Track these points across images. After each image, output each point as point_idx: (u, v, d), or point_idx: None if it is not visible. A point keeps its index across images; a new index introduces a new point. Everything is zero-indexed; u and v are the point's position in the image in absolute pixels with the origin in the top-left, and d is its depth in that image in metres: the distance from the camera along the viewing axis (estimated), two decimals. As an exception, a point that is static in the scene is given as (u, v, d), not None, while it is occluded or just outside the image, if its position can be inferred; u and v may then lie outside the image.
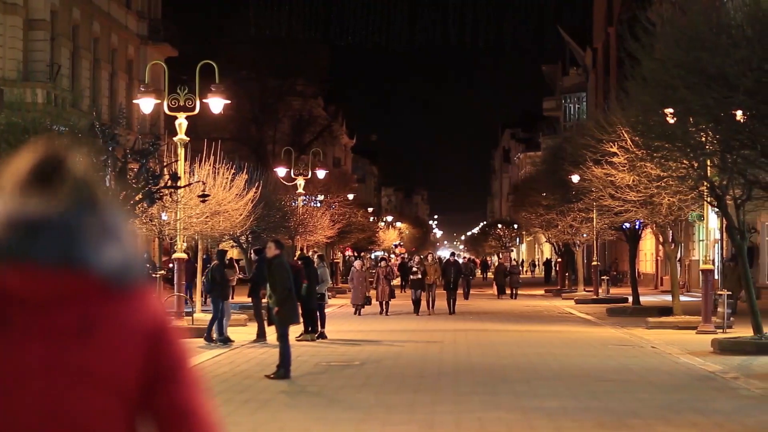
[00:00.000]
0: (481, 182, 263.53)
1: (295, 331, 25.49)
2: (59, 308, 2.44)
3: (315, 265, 31.06)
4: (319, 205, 57.72)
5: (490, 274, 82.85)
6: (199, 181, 31.65)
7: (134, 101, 40.17)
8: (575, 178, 40.76)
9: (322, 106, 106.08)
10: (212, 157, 34.16)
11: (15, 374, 2.43)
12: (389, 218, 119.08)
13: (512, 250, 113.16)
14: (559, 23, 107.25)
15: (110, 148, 26.82)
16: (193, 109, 30.99)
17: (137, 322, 2.51)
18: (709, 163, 25.45)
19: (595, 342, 27.88)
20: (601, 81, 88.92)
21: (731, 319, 30.02)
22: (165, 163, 30.08)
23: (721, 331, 28.68)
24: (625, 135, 31.13)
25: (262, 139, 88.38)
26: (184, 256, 32.05)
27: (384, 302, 41.01)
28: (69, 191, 2.47)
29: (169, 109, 31.09)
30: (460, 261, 58.12)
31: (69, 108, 40.33)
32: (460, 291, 46.87)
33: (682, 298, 38.78)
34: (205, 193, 31.28)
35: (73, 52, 51.11)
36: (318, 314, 29.34)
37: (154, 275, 34.30)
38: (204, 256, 38.74)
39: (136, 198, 26.88)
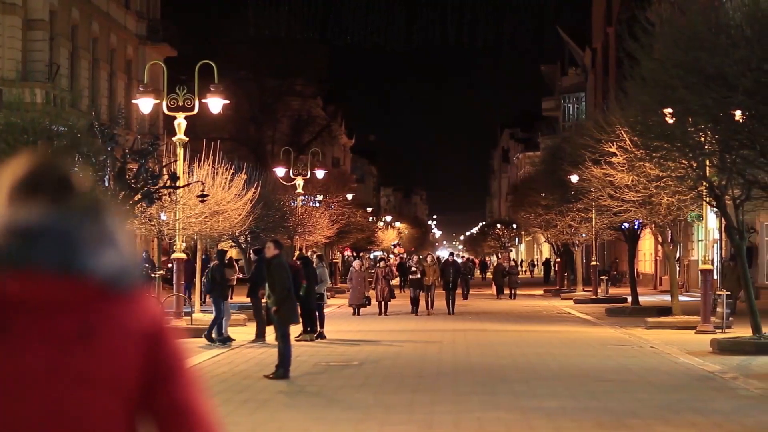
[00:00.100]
0: (480, 182, 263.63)
1: (294, 331, 25.49)
2: (60, 313, 2.48)
3: (314, 265, 31.06)
4: (318, 205, 57.73)
5: (489, 274, 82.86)
6: (198, 181, 31.65)
7: (133, 101, 40.22)
8: (574, 178, 40.77)
9: (321, 106, 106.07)
10: (211, 157, 34.15)
11: (17, 379, 2.47)
12: (388, 218, 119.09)
13: (511, 250, 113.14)
14: (558, 23, 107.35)
15: (109, 148, 26.82)
16: (192, 109, 30.99)
17: (136, 324, 2.55)
18: (708, 163, 25.46)
19: (594, 342, 27.88)
20: (600, 81, 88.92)
21: (730, 319, 30.03)
22: (164, 163, 30.08)
23: (720, 331, 28.68)
24: (624, 135, 31.13)
25: (261, 139, 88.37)
26: (183, 256, 32.05)
27: (383, 302, 40.99)
28: (66, 198, 2.52)
29: (168, 109, 31.09)
30: (459, 261, 58.13)
31: (68, 108, 40.31)
32: (458, 291, 46.86)
33: (681, 298, 38.79)
34: (204, 193, 31.27)
35: (72, 52, 51.10)
36: (317, 314, 29.34)
37: (153, 275, 34.32)
38: (203, 257, 38.73)
39: (135, 198, 26.88)
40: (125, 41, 59.13)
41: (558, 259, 70.12)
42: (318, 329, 29.23)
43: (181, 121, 30.85)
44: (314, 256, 33.89)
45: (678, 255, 51.58)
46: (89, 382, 2.50)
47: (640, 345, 26.88)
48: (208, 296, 28.66)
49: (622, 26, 41.87)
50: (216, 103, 31.84)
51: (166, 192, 28.32)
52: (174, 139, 31.14)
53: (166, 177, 28.02)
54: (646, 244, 67.20)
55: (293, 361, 20.14)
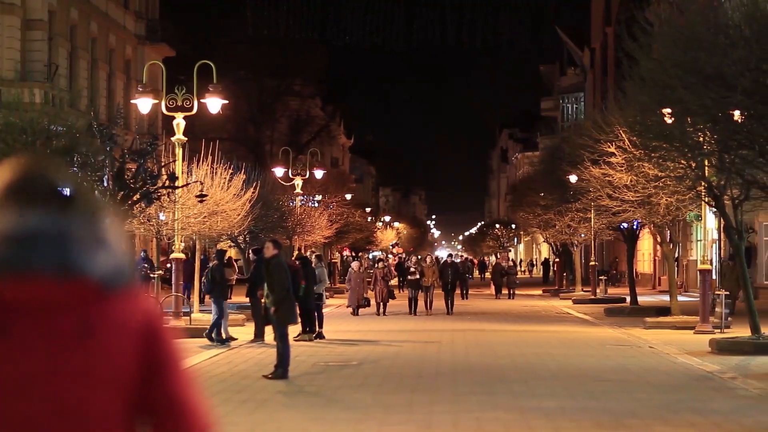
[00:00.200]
0: (479, 182, 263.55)
1: (293, 331, 25.49)
2: (59, 314, 2.55)
3: (313, 265, 31.05)
4: (316, 205, 57.72)
5: (488, 275, 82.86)
6: (196, 181, 31.63)
7: (132, 101, 40.22)
8: (573, 178, 40.77)
9: (319, 106, 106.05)
10: (210, 157, 34.13)
11: (19, 380, 2.53)
12: (387, 218, 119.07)
13: (510, 250, 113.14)
14: (557, 23, 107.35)
15: (108, 148, 26.81)
16: (191, 109, 30.98)
17: (132, 321, 2.62)
18: (706, 163, 25.47)
19: (592, 342, 27.89)
20: (599, 81, 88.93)
21: (729, 319, 30.03)
22: (163, 163, 30.06)
23: (719, 331, 28.68)
24: (623, 135, 31.12)
25: (260, 139, 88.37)
26: (182, 256, 32.04)
27: (382, 302, 40.97)
28: (61, 202, 2.59)
29: (167, 109, 31.08)
30: (457, 261, 58.11)
31: (67, 108, 40.27)
32: (457, 291, 46.84)
33: (680, 298, 38.80)
34: (203, 193, 31.26)
35: (70, 52, 51.09)
36: (316, 314, 29.33)
37: (152, 275, 34.31)
38: (202, 257, 38.71)
39: (134, 198, 26.87)
40: (124, 41, 59.11)
41: (557, 259, 70.13)
42: (317, 329, 29.22)
43: (179, 121, 30.84)
44: (313, 256, 33.88)
45: (677, 255, 51.58)
46: (89, 379, 2.56)
47: (639, 345, 26.89)
48: (207, 296, 28.60)
49: (620, 26, 41.84)
50: (215, 103, 31.83)
51: (164, 192, 28.31)
52: (173, 139, 31.13)
53: (164, 177, 28.01)
54: (645, 244, 67.21)
55: (292, 361, 20.14)
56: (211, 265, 28.79)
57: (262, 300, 23.25)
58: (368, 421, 14.46)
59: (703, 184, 26.50)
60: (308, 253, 45.64)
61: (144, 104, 31.99)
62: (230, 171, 34.79)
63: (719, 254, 45.78)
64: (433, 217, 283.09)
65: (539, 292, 65.71)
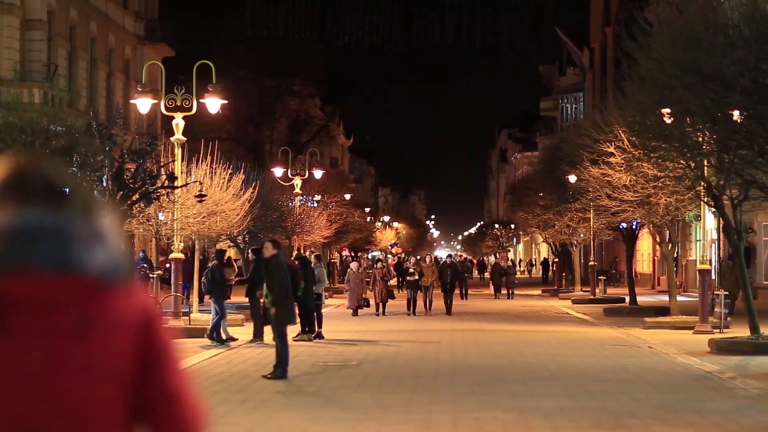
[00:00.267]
0: (478, 182, 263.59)
1: (292, 331, 25.48)
2: (58, 309, 2.59)
3: (312, 265, 31.05)
4: (316, 205, 57.71)
5: (487, 275, 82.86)
6: (196, 181, 31.62)
7: (131, 101, 40.22)
8: (572, 178, 40.77)
9: (319, 106, 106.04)
10: (209, 157, 34.11)
11: (20, 375, 2.58)
12: (386, 218, 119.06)
13: (509, 250, 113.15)
14: (556, 23, 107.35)
15: (107, 148, 26.81)
16: (190, 109, 30.98)
17: (129, 316, 2.68)
18: (706, 163, 25.47)
19: (592, 342, 27.89)
20: (598, 81, 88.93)
21: (728, 319, 30.02)
22: (162, 163, 30.05)
23: (718, 331, 28.67)
24: (622, 135, 31.12)
25: (259, 139, 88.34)
26: (181, 256, 32.03)
27: (381, 303, 40.96)
28: (58, 199, 2.64)
29: (166, 109, 31.08)
30: (457, 262, 58.09)
31: (66, 108, 40.28)
32: (456, 292, 46.82)
33: (679, 298, 38.79)
34: (202, 193, 31.25)
35: (70, 52, 51.09)
36: (315, 314, 29.32)
37: (151, 275, 34.30)
38: (201, 257, 38.70)
39: (133, 198, 26.87)
40: (123, 41, 59.10)
41: (556, 259, 70.14)
42: (316, 329, 29.21)
43: (179, 121, 30.84)
44: (312, 256, 33.88)
45: (676, 255, 51.58)
46: (88, 373, 2.62)
47: (638, 345, 26.89)
48: (207, 297, 28.58)
49: (620, 26, 41.83)
50: (214, 103, 31.83)
51: (164, 192, 28.31)
52: (172, 139, 31.13)
53: (164, 177, 28.00)
54: (644, 244, 67.21)
55: (291, 361, 20.13)
56: (210, 265, 28.76)
57: (261, 300, 23.27)
58: (367, 421, 14.46)
59: (702, 184, 26.50)
60: (307, 253, 45.64)
61: (143, 104, 31.99)
62: (229, 171, 34.78)
63: (718, 254, 45.82)
64: (433, 217, 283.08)
65: (538, 292, 65.70)
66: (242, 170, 35.78)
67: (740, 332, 26.56)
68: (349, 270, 41.75)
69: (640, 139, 27.39)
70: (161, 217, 32.22)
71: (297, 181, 50.80)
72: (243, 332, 29.31)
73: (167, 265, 36.37)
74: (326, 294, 37.24)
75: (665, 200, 32.36)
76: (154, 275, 34.17)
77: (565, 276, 67.40)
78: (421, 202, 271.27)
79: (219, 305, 27.35)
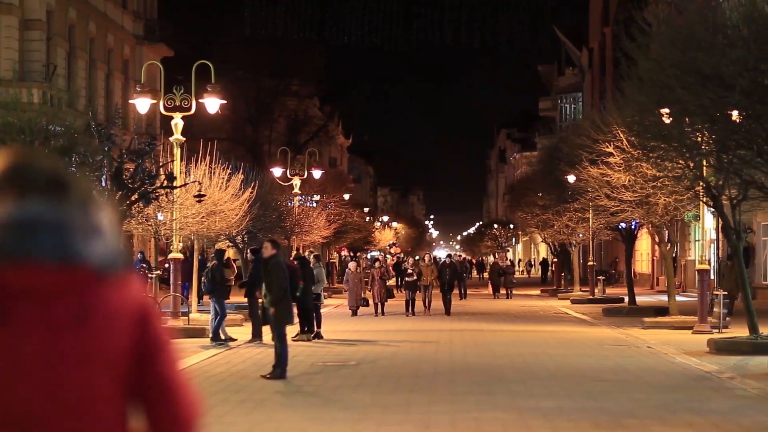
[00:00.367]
0: (477, 182, 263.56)
1: (291, 331, 25.48)
2: (57, 299, 2.66)
3: (311, 265, 31.04)
4: (315, 205, 57.69)
5: (486, 275, 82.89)
6: (195, 181, 31.61)
7: (130, 101, 40.21)
8: (571, 179, 40.77)
9: (317, 106, 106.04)
10: (208, 157, 34.10)
11: (19, 363, 2.64)
12: (385, 218, 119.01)
13: (508, 250, 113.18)
14: (555, 23, 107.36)
15: (106, 148, 26.80)
16: (189, 109, 30.98)
17: (125, 306, 2.75)
18: (705, 163, 25.47)
19: (591, 342, 27.89)
20: (597, 81, 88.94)
21: (727, 319, 30.02)
22: (161, 163, 30.04)
23: (717, 331, 28.68)
24: (621, 135, 31.11)
25: (258, 139, 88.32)
26: (180, 256, 32.02)
27: (380, 303, 40.95)
28: (58, 191, 2.70)
29: (165, 109, 31.07)
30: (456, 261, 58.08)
31: (65, 108, 40.31)
32: (455, 292, 46.80)
33: (678, 298, 38.77)
34: (201, 193, 31.25)
35: (69, 52, 51.08)
36: (314, 314, 29.32)
37: (149, 276, 34.29)
38: (199, 257, 38.69)
39: (132, 198, 26.86)
40: (122, 41, 59.10)
41: (555, 259, 70.14)
42: (315, 329, 29.21)
43: (178, 121, 30.84)
44: (311, 256, 33.88)
45: (675, 255, 51.57)
46: (86, 362, 2.68)
47: (637, 345, 26.89)
48: (207, 297, 28.55)
49: (619, 26, 41.82)
50: (213, 103, 31.83)
51: (163, 192, 28.30)
52: (171, 139, 31.12)
53: (163, 177, 27.99)
54: (643, 244, 67.23)
55: (290, 361, 20.14)
56: (211, 265, 28.70)
57: (260, 300, 23.27)
58: (366, 421, 14.46)
59: (701, 184, 26.50)
60: (306, 253, 45.63)
61: (142, 104, 31.98)
62: (228, 171, 34.77)
63: (717, 254, 45.83)
64: (432, 217, 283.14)
65: (537, 292, 65.72)
66: (241, 170, 35.77)
67: (739, 332, 26.55)
68: (347, 270, 41.74)
69: (639, 139, 27.38)
70: (160, 217, 32.22)
71: (296, 181, 50.77)
72: (242, 332, 29.31)
73: (166, 265, 36.36)
74: (325, 294, 37.22)
75: (664, 200, 32.35)
76: (153, 275, 34.17)
77: (564, 276, 67.39)
78: (420, 202, 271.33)
79: (219, 305, 27.33)
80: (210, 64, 31.77)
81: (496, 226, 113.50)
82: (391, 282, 57.74)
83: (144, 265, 41.70)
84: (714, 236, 46.86)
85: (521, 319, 38.31)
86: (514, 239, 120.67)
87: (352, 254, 77.59)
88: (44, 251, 2.64)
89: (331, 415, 15.04)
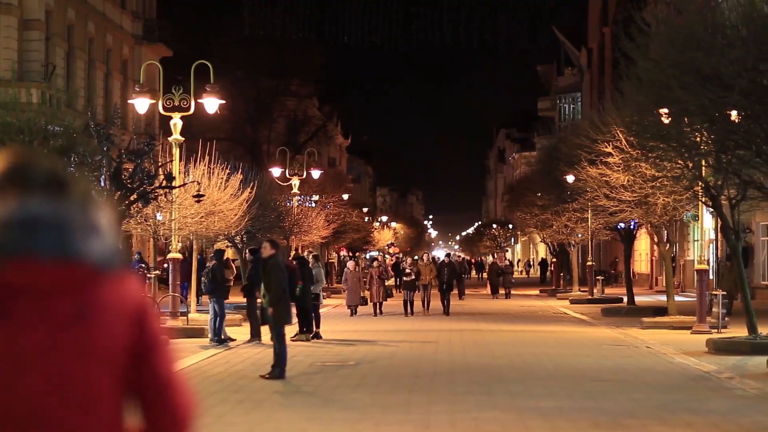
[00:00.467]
0: (476, 182, 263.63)
1: (290, 331, 25.48)
2: (58, 295, 2.71)
3: (310, 265, 31.03)
4: (314, 205, 57.68)
5: (485, 275, 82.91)
6: (194, 181, 31.61)
7: (129, 101, 40.16)
8: (570, 179, 40.77)
9: (316, 106, 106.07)
10: (207, 157, 34.11)
11: (21, 358, 2.69)
12: (384, 218, 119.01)
13: (507, 250, 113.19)
14: (554, 23, 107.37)
15: (105, 148, 26.79)
16: (188, 109, 30.97)
17: (123, 303, 2.80)
18: (704, 163, 25.46)
19: (590, 342, 27.89)
20: (596, 81, 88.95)
21: (726, 319, 30.02)
22: (160, 163, 30.04)
23: (716, 331, 28.68)
24: (620, 135, 31.11)
25: (257, 139, 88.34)
26: (179, 256, 32.02)
27: (378, 303, 40.92)
28: (58, 190, 2.75)
29: (164, 109, 31.06)
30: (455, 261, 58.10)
31: (64, 108, 40.28)
32: (454, 292, 46.78)
33: (677, 298, 38.78)
34: (200, 193, 31.24)
35: (68, 52, 51.08)
36: (313, 314, 29.31)
37: (148, 276, 34.29)
38: (198, 257, 38.68)
39: (131, 198, 26.85)
40: (121, 41, 59.09)
41: (554, 259, 70.14)
42: (314, 329, 29.21)
43: (177, 121, 30.83)
44: (310, 257, 33.86)
45: (674, 255, 51.59)
46: (86, 358, 2.73)
47: (636, 345, 26.88)
48: (207, 296, 28.51)
49: (618, 26, 41.82)
50: (212, 103, 31.82)
51: (162, 192, 28.29)
52: (170, 139, 31.12)
53: (162, 177, 27.99)
54: (642, 244, 67.26)
55: (289, 361, 20.14)
56: (211, 265, 28.63)
57: (259, 300, 23.27)
58: (365, 421, 14.46)
59: (700, 184, 26.49)
60: (305, 253, 45.62)
61: (141, 104, 31.96)
62: (227, 171, 34.77)
63: (716, 254, 45.82)
64: (431, 217, 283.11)
65: (536, 292, 65.71)
66: (240, 170, 35.77)
67: (738, 332, 26.56)
68: (346, 269, 41.73)
69: (638, 139, 27.38)
70: (159, 217, 32.22)
71: (295, 181, 50.76)
72: (241, 332, 29.31)
73: (165, 265, 36.35)
74: (324, 294, 37.21)
75: (663, 200, 32.35)
76: (152, 275, 34.16)
77: (562, 276, 67.41)
78: (419, 202, 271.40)
79: (219, 305, 27.32)
80: (209, 64, 31.76)
81: (495, 226, 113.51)
82: (390, 282, 57.69)
83: (142, 266, 41.70)
84: (713, 236, 46.85)
85: (520, 319, 38.31)
86: (513, 239, 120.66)
87: (350, 254, 77.61)
88: (45, 249, 2.69)
89: (330, 415, 15.04)
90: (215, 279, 27.84)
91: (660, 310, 36.42)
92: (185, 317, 30.79)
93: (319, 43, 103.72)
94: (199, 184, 31.81)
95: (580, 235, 53.23)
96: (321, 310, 31.45)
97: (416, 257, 62.12)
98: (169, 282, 31.34)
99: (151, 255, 43.93)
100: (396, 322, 37.05)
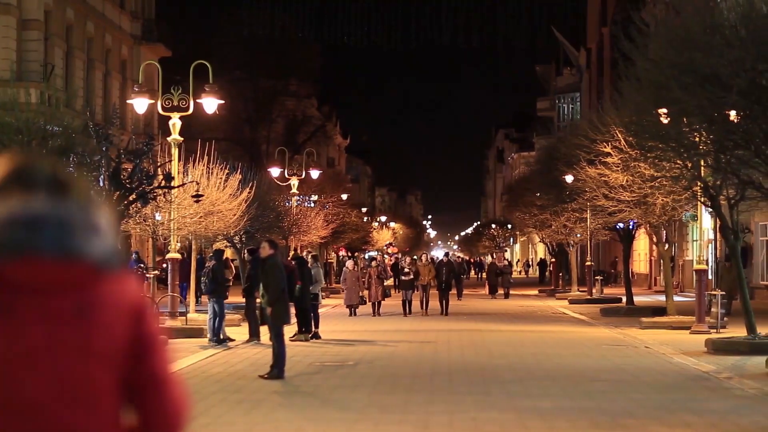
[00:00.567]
0: (475, 182, 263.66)
1: (289, 331, 25.48)
2: (60, 293, 2.78)
3: (309, 265, 31.03)
4: (312, 205, 57.67)
5: (484, 275, 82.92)
6: (192, 181, 31.61)
7: (128, 101, 40.14)
8: (569, 179, 40.77)
9: (315, 106, 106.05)
10: (206, 158, 34.11)
11: (23, 354, 2.75)
12: (383, 218, 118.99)
13: (506, 250, 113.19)
14: (553, 23, 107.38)
15: (104, 148, 26.78)
16: (187, 109, 30.97)
17: (123, 301, 2.86)
18: (702, 163, 25.46)
19: (588, 342, 27.88)
20: (595, 81, 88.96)
21: (725, 319, 30.03)
22: (159, 163, 30.03)
23: (715, 331, 28.69)
24: (619, 135, 31.11)
25: (256, 139, 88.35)
26: (178, 256, 32.00)
27: (376, 303, 40.90)
28: (60, 191, 2.81)
29: (163, 109, 31.06)
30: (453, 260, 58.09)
31: (63, 108, 40.16)
32: (453, 292, 46.75)
33: (676, 298, 38.78)
34: (199, 193, 31.24)
35: (66, 52, 51.06)
36: (311, 314, 29.31)
37: (147, 276, 34.27)
38: (198, 257, 38.67)
39: (130, 198, 26.85)
40: (120, 41, 59.08)
41: (553, 259, 70.14)
42: (313, 329, 29.21)
43: (175, 121, 30.82)
44: (309, 257, 33.86)
45: (673, 255, 51.59)
46: (86, 354, 2.80)
47: (635, 345, 26.89)
48: (207, 296, 28.49)
49: (616, 26, 41.83)
50: (211, 103, 31.81)
51: (160, 192, 28.29)
52: (169, 139, 31.11)
53: (160, 177, 27.98)
54: (641, 244, 67.26)
55: (288, 361, 20.14)
56: (211, 265, 28.58)
57: (258, 300, 23.26)
58: (364, 421, 14.46)
59: (699, 184, 26.50)
60: (304, 254, 45.62)
61: (140, 104, 31.95)
62: (226, 171, 34.77)
63: (715, 254, 45.83)
64: (430, 217, 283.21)
65: (535, 292, 65.71)
66: (239, 170, 35.76)
67: (737, 332, 26.57)
68: (345, 269, 41.72)
69: (636, 140, 27.38)
70: (158, 217, 32.21)
71: (294, 181, 50.78)
72: (240, 332, 29.30)
73: (164, 265, 36.34)
74: (323, 294, 37.21)
75: (662, 200, 32.36)
76: (151, 275, 34.15)
77: (561, 276, 67.42)
78: (418, 202, 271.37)
79: (219, 305, 27.31)
80: (208, 64, 31.76)
81: (494, 226, 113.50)
82: (389, 282, 57.69)
83: (141, 265, 41.68)
84: (712, 236, 46.85)
85: (519, 320, 38.31)
86: (511, 239, 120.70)
87: (349, 254, 77.62)
88: (47, 247, 2.75)
89: (329, 415, 15.04)
90: (216, 279, 27.81)
91: (659, 310, 36.43)
92: (184, 317, 30.80)
93: (319, 43, 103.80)
94: (198, 184, 31.81)
95: (579, 235, 53.23)
96: (320, 310, 31.46)
97: (415, 257, 62.12)
98: (168, 282, 31.32)
99: (150, 255, 43.93)
100: (395, 322, 37.04)
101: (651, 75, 23.96)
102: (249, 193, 35.18)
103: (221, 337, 27.18)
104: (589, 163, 34.20)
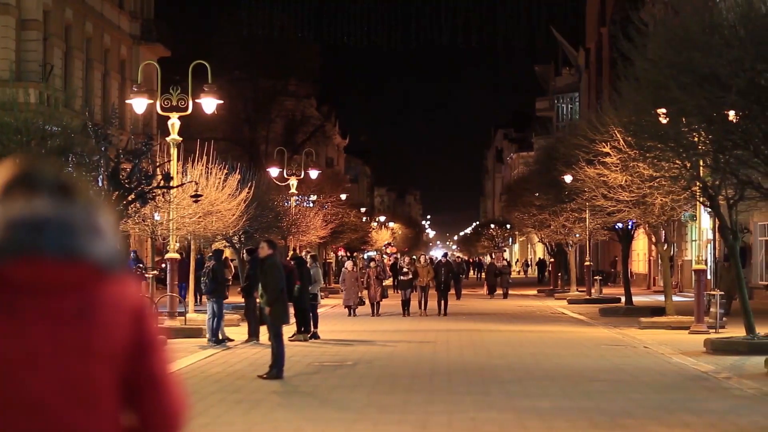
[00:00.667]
0: (474, 182, 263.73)
1: (288, 331, 25.47)
2: (62, 294, 2.82)
3: (308, 265, 31.03)
4: (311, 205, 57.67)
5: (483, 275, 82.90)
6: (191, 182, 31.60)
7: (127, 101, 40.12)
8: (568, 179, 40.77)
9: (314, 106, 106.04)
10: (205, 158, 34.10)
11: (26, 354, 2.79)
12: (382, 218, 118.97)
13: (505, 250, 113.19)
14: (552, 23, 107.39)
15: (103, 148, 26.77)
16: (186, 109, 30.96)
17: (124, 302, 2.90)
18: (701, 163, 25.47)
19: (587, 342, 27.89)
20: (594, 81, 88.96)
21: (724, 319, 30.04)
22: (158, 164, 30.03)
23: (714, 331, 28.70)
24: (618, 135, 31.11)
25: (255, 139, 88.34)
26: (177, 256, 31.99)
27: (375, 303, 40.88)
28: (63, 193, 2.86)
29: (162, 109, 31.06)
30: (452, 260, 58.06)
31: (61, 108, 40.18)
32: (452, 292, 46.71)
33: (675, 298, 38.78)
34: (198, 193, 31.23)
35: (65, 52, 51.05)
36: (310, 314, 29.31)
37: (146, 275, 34.26)
38: (197, 257, 38.67)
39: (129, 198, 26.84)
40: (119, 41, 59.07)
41: (552, 259, 70.13)
42: (311, 329, 29.21)
43: (174, 121, 30.82)
44: (308, 257, 33.86)
45: (672, 255, 51.59)
46: (88, 354, 2.84)
47: (634, 345, 26.89)
48: (207, 296, 28.48)
49: (615, 26, 41.85)
50: (210, 104, 31.80)
51: (159, 192, 28.28)
52: (168, 139, 31.11)
53: (159, 177, 27.97)
54: (640, 244, 67.28)
55: (287, 361, 20.14)
56: (211, 265, 28.55)
57: (257, 300, 23.25)
58: (363, 421, 14.46)
59: (697, 184, 26.51)
60: (303, 254, 45.64)
61: (139, 104, 31.94)
62: (225, 171, 34.77)
63: (714, 254, 45.84)
64: (428, 217, 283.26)
65: (534, 292, 65.71)
66: (238, 170, 35.76)
67: (736, 332, 26.57)
68: (344, 269, 41.71)
69: (635, 139, 27.38)
70: (157, 217, 32.21)
71: (293, 181, 50.78)
72: (239, 332, 29.30)
73: (163, 265, 36.33)
74: (322, 294, 37.20)
75: (661, 200, 32.36)
76: (150, 275, 34.15)
77: (560, 276, 67.42)
78: (417, 202, 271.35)
79: (218, 305, 27.30)
80: (207, 64, 31.75)
81: (492, 226, 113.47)
82: (388, 282, 57.68)
83: (140, 265, 41.67)
84: (711, 236, 46.87)
85: (518, 320, 38.30)
86: (510, 239, 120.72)
87: (348, 254, 77.61)
88: (50, 248, 2.79)
89: (327, 415, 15.04)
90: (216, 279, 27.80)
91: (658, 310, 36.43)
92: (183, 317, 30.79)
93: (318, 43, 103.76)
94: (196, 184, 31.81)
95: (577, 235, 53.23)
96: (319, 310, 31.45)
97: (414, 256, 62.12)
98: (167, 282, 31.32)
99: (148, 255, 43.91)
100: (393, 322, 37.04)
101: (650, 75, 23.97)
102: (248, 193, 35.18)
103: (220, 337, 27.18)
104: (588, 163, 34.20)
